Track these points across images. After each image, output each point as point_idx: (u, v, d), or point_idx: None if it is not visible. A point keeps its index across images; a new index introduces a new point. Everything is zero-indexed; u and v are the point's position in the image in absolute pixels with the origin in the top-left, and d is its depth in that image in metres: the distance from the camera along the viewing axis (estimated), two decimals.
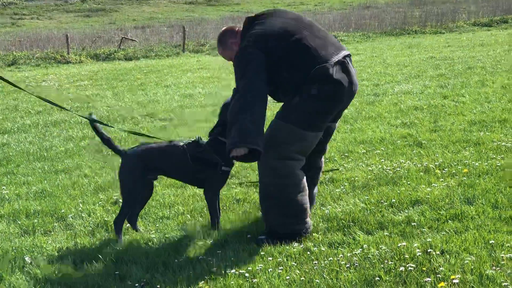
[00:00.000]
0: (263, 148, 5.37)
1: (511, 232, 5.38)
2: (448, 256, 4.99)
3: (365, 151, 8.27)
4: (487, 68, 15.31)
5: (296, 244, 5.51)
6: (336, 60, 5.56)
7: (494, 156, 7.54)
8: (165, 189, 7.37)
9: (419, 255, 5.02)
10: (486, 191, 6.35)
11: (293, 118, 5.55)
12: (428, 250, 5.07)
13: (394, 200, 6.32)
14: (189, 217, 6.39)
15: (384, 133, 9.07)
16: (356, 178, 7.11)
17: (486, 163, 7.28)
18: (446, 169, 7.21)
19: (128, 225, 6.16)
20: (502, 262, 4.80)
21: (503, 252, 4.95)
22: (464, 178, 6.84)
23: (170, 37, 30.97)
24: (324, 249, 5.35)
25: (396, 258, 5.01)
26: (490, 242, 5.15)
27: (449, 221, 5.74)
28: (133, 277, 5.13)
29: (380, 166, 7.51)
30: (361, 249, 5.26)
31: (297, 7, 45.73)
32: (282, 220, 5.68)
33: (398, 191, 6.56)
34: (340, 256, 5.18)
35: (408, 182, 6.87)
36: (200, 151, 5.88)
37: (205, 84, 15.13)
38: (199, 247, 5.63)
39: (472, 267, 4.76)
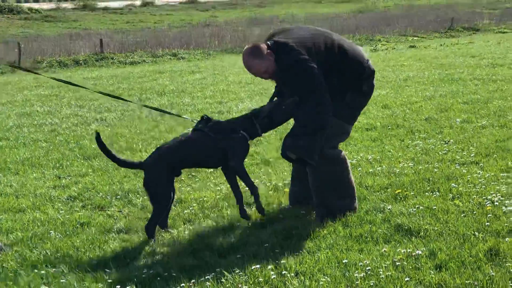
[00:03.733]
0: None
1: (362, 250, 5.35)
2: (302, 278, 4.89)
3: (212, 170, 8.08)
4: None
5: (145, 270, 5.25)
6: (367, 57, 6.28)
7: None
8: (1, 214, 6.90)
9: (273, 277, 4.89)
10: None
11: (345, 115, 6.13)
12: (283, 272, 4.95)
13: (245, 221, 6.18)
14: (30, 244, 5.97)
15: None
16: (205, 199, 6.93)
17: None
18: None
19: None
20: (357, 282, 4.74)
21: (356, 271, 4.90)
22: None
23: (4, 54, 29.68)
24: (175, 274, 5.12)
25: (251, 282, 4.87)
26: (344, 261, 5.10)
27: (301, 240, 5.66)
28: None
29: (228, 185, 7.33)
30: (213, 273, 5.07)
31: (137, 24, 45.24)
32: (340, 203, 6.16)
33: (249, 211, 6.42)
34: (192, 281, 4.97)
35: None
36: (215, 123, 6.09)
37: (44, 102, 14.52)
38: (38, 276, 5.25)
39: None
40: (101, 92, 7.39)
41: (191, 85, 16.33)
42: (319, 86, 5.86)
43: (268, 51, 5.96)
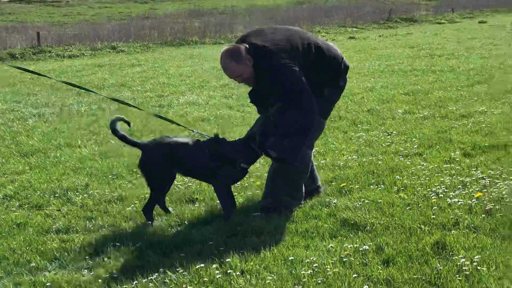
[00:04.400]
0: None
1: (308, 247, 5.26)
2: (248, 276, 4.77)
3: None
4: None
5: (85, 272, 5.08)
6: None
7: None
8: None
9: (219, 277, 4.76)
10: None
11: (321, 110, 6.06)
12: (228, 271, 4.83)
13: (189, 218, 6.04)
14: None
15: None
16: (147, 196, 6.73)
17: None
18: (238, 183, 7.03)
19: None
20: (304, 280, 4.64)
21: (303, 268, 4.80)
22: (258, 191, 6.70)
23: None
24: (117, 276, 4.95)
25: (195, 282, 4.73)
26: (290, 258, 4.99)
27: (246, 237, 5.54)
28: None
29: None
30: (157, 273, 4.92)
31: (74, 17, 44.58)
32: (289, 202, 6.09)
33: (192, 208, 6.29)
34: (135, 282, 4.81)
35: (202, 197, 6.62)
36: (219, 148, 5.98)
37: None
38: None
39: (274, 287, 4.57)
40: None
41: (131, 79, 16.09)
42: (304, 90, 5.80)
43: (247, 55, 5.84)
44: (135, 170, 7.74)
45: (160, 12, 43.45)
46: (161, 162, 5.99)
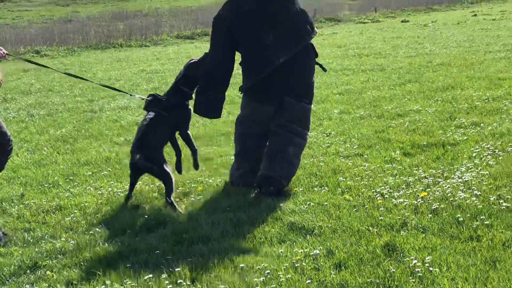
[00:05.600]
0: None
1: (258, 252, 5.16)
2: (200, 286, 4.64)
3: (91, 173, 7.70)
4: None
5: (28, 287, 4.87)
6: None
7: (226, 171, 7.35)
8: None
9: (169, 287, 4.62)
10: (227, 209, 6.12)
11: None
12: (178, 281, 4.69)
13: (131, 226, 5.88)
14: None
15: (109, 152, 8.54)
16: (87, 204, 6.56)
17: (220, 179, 7.07)
18: (180, 188, 6.89)
19: None
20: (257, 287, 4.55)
21: (256, 276, 4.70)
22: (201, 196, 6.58)
23: None
24: None
25: None
26: (241, 266, 4.88)
27: (193, 244, 5.41)
28: None
29: (110, 188, 7.01)
30: (104, 286, 4.75)
31: None
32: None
33: (135, 215, 6.12)
34: None
35: (143, 205, 6.45)
36: (167, 101, 6.66)
37: None
38: None
39: None
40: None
41: (58, 83, 15.71)
42: (217, 43, 6.70)
43: None
44: (71, 178, 7.54)
45: (83, 15, 42.75)
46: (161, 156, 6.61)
